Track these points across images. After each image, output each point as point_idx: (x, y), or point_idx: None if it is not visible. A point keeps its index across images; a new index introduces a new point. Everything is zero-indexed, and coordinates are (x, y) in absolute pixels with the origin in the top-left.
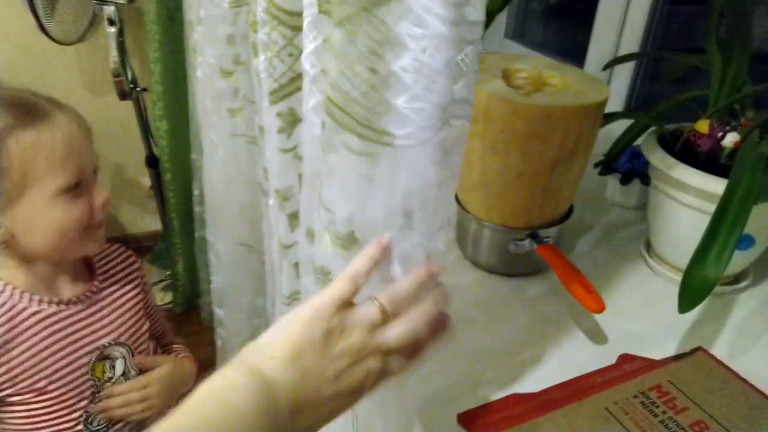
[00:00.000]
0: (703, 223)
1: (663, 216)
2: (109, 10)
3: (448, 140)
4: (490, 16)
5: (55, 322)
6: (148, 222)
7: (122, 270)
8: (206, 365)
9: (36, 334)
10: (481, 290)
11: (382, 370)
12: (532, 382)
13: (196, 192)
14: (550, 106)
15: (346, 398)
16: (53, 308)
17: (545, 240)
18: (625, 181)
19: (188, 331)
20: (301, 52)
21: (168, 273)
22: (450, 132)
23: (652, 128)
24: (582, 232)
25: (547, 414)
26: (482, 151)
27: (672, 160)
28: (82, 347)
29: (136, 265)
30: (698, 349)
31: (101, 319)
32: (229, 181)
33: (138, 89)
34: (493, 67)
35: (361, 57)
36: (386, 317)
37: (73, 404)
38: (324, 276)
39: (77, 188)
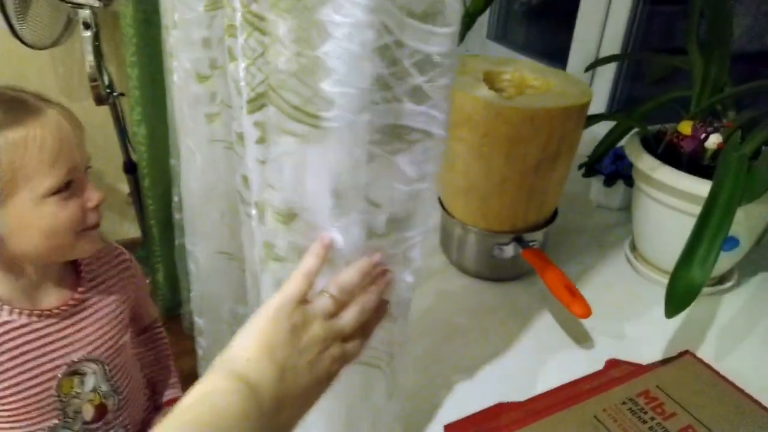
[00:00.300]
0: (687, 224)
1: (647, 218)
2: (85, 13)
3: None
4: (472, 17)
5: (24, 334)
6: (126, 229)
7: (112, 276)
8: (188, 375)
9: (1, 344)
10: (467, 296)
11: (343, 355)
12: (519, 390)
13: (175, 198)
14: (533, 108)
15: (321, 386)
16: (24, 319)
17: (530, 244)
18: (608, 182)
19: (170, 341)
20: None
21: (148, 281)
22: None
23: (635, 130)
24: (567, 235)
25: (534, 423)
26: (466, 156)
27: (655, 162)
28: (48, 362)
29: (129, 272)
30: (685, 352)
31: (75, 332)
32: (208, 188)
33: (115, 94)
34: (476, 70)
35: (290, 42)
36: (338, 306)
37: (36, 417)
38: (269, 249)
39: (69, 188)
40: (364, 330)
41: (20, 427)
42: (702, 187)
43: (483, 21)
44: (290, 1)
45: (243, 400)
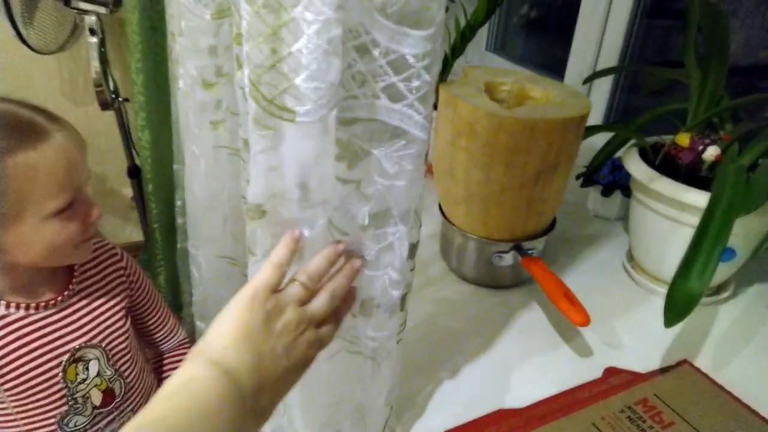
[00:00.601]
0: (684, 234)
1: (645, 228)
2: (91, 20)
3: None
4: (473, 29)
5: (22, 327)
6: (129, 233)
7: (103, 269)
8: None
9: (3, 337)
10: (466, 303)
11: (317, 339)
12: (518, 397)
13: (178, 203)
14: (534, 119)
15: (297, 370)
16: (21, 312)
17: (529, 252)
18: (606, 193)
19: None
20: None
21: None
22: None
23: (632, 141)
24: (565, 243)
25: (533, 430)
26: (466, 165)
27: (653, 173)
28: (51, 350)
29: (120, 264)
30: (683, 362)
31: (73, 322)
32: (211, 193)
33: (120, 99)
34: (476, 80)
35: (267, 39)
36: (309, 293)
37: (45, 405)
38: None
39: (71, 207)
40: (336, 316)
41: (32, 416)
42: (700, 198)
43: (482, 33)
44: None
45: (222, 386)
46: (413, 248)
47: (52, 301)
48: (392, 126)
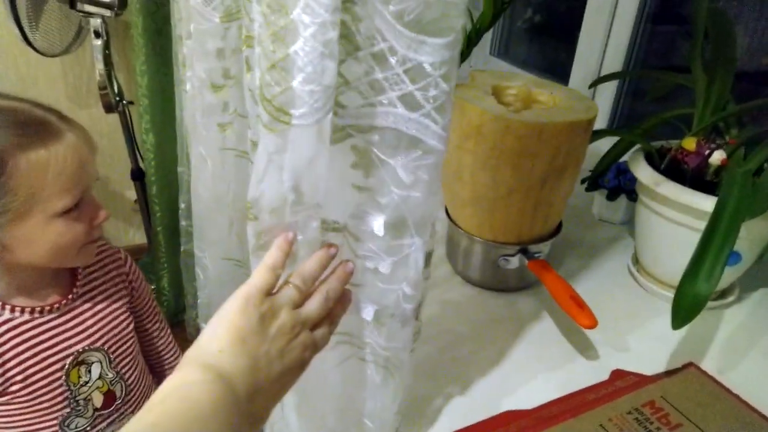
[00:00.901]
0: (691, 239)
1: (651, 232)
2: (96, 22)
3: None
4: (479, 33)
5: (27, 330)
6: (132, 236)
7: (107, 273)
8: None
9: (6, 342)
10: (471, 305)
11: (313, 342)
12: (525, 399)
13: (182, 205)
14: (541, 122)
15: (292, 373)
16: (26, 317)
17: (535, 255)
18: (611, 197)
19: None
20: None
21: (152, 287)
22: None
23: (638, 145)
24: (570, 247)
25: (541, 431)
26: (474, 167)
27: (660, 177)
28: (54, 354)
29: (123, 269)
30: (689, 364)
31: (77, 325)
32: (217, 195)
33: (124, 102)
34: (484, 84)
35: (270, 40)
36: (302, 295)
37: (48, 407)
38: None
39: (78, 207)
40: (330, 318)
41: (35, 418)
42: (706, 202)
43: (486, 37)
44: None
45: (216, 390)
46: (428, 257)
47: (57, 305)
48: (409, 135)
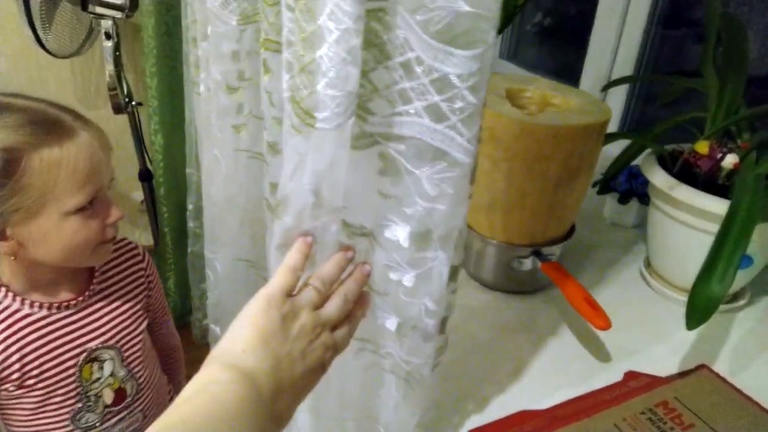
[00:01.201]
0: (703, 241)
1: (663, 235)
2: (107, 24)
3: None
4: None
5: (45, 326)
6: (138, 237)
7: (124, 270)
8: None
9: (25, 336)
10: (485, 307)
11: (333, 343)
12: (540, 399)
13: (190, 207)
14: (557, 125)
15: (314, 373)
16: (44, 312)
17: (548, 258)
18: (623, 200)
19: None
20: None
21: None
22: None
23: (649, 149)
24: (582, 251)
25: (556, 430)
26: (488, 170)
27: (673, 180)
28: (69, 350)
29: (141, 264)
30: (702, 366)
31: (91, 323)
32: (230, 195)
33: (133, 103)
34: (498, 87)
35: (300, 44)
36: (322, 297)
37: (60, 402)
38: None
39: (91, 206)
40: (349, 319)
41: (47, 412)
42: (719, 205)
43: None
44: (305, 4)
45: (242, 389)
46: (455, 270)
47: (73, 301)
48: (434, 147)
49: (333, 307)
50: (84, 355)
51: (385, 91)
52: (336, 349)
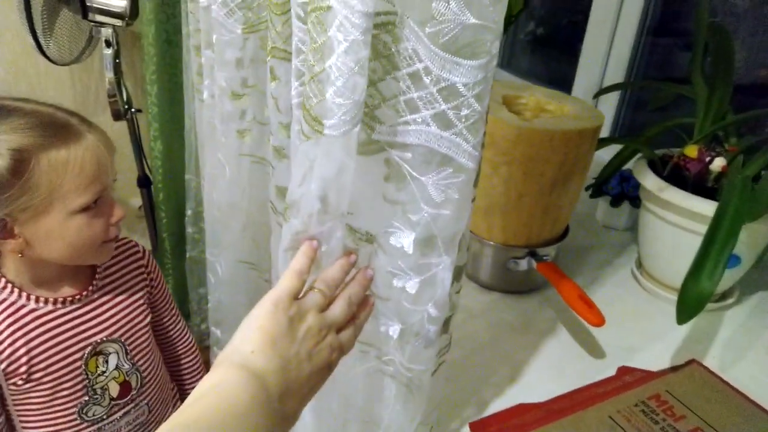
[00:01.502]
0: (692, 242)
1: (654, 236)
2: (107, 32)
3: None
4: None
5: (50, 321)
6: None
7: (125, 266)
8: None
9: (31, 330)
10: (483, 307)
11: (339, 345)
12: (537, 394)
13: (189, 212)
14: (552, 130)
15: (320, 374)
16: (50, 307)
17: (544, 258)
18: (615, 203)
19: None
20: None
21: None
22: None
23: (640, 154)
24: (575, 252)
25: (554, 422)
26: (488, 174)
27: (663, 183)
28: (75, 344)
29: (142, 261)
30: (692, 361)
31: (96, 317)
32: (233, 199)
33: (132, 110)
34: (495, 94)
35: (312, 53)
36: (327, 300)
37: (68, 395)
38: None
39: (96, 205)
40: (354, 322)
41: (56, 405)
42: (707, 207)
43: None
44: (317, 16)
45: (252, 388)
46: (459, 271)
47: (78, 296)
48: (441, 153)
49: (338, 310)
50: (89, 348)
51: (393, 100)
52: (341, 350)
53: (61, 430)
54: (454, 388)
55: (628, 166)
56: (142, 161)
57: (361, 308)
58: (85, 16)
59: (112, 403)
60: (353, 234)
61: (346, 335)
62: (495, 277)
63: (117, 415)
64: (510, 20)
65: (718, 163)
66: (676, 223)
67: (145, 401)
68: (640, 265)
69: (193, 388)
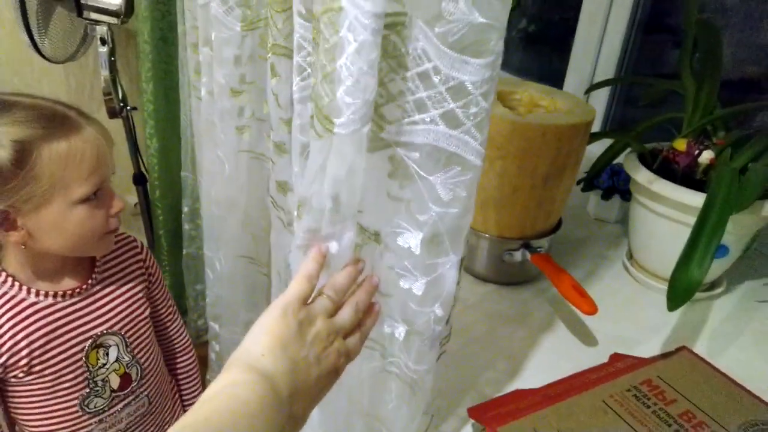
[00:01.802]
0: (682, 233)
1: (644, 228)
2: (102, 29)
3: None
4: None
5: (51, 314)
6: None
7: (124, 260)
8: None
9: (32, 324)
10: (479, 299)
11: (346, 350)
12: (533, 380)
13: (185, 209)
14: (545, 125)
15: (328, 378)
16: (50, 300)
17: (538, 250)
18: (606, 196)
19: None
20: None
21: None
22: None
23: (630, 148)
24: (567, 244)
25: (549, 407)
26: (485, 169)
27: (653, 176)
28: (75, 337)
29: (140, 256)
30: (682, 348)
31: (95, 310)
32: (232, 195)
33: (128, 108)
34: None
35: (324, 53)
36: (335, 306)
37: (69, 387)
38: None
39: (96, 197)
40: (361, 328)
41: (58, 397)
42: (696, 198)
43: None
44: (329, 17)
45: (262, 390)
46: (460, 264)
47: (78, 290)
48: (448, 152)
49: (345, 316)
50: (90, 341)
51: (401, 100)
52: (348, 355)
53: (63, 422)
54: (452, 377)
55: (619, 160)
56: (138, 159)
57: (367, 315)
58: (79, 14)
59: (113, 395)
60: (363, 233)
61: (352, 341)
62: (490, 269)
63: (118, 407)
64: None
65: (707, 156)
66: (665, 214)
67: (146, 393)
68: (630, 256)
69: (187, 382)
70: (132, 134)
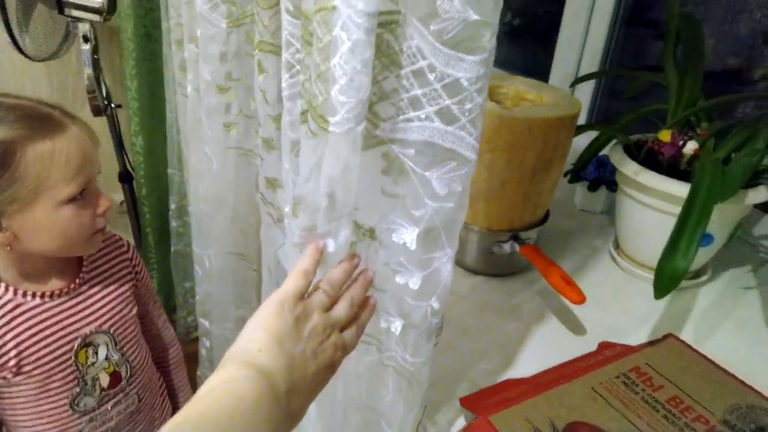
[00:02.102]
0: (667, 223)
1: (630, 218)
2: (84, 27)
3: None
4: None
5: (38, 314)
6: None
7: (111, 260)
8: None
9: (19, 325)
10: (469, 291)
11: (342, 344)
12: (523, 370)
13: (172, 206)
14: (532, 118)
15: (325, 372)
16: (37, 300)
17: (526, 241)
18: (592, 188)
19: None
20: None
21: None
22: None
23: (616, 140)
24: (555, 236)
25: (540, 395)
26: None
27: (638, 167)
28: (64, 336)
29: (127, 255)
30: (669, 335)
31: (83, 309)
32: (221, 191)
33: (112, 105)
34: None
35: (318, 51)
36: (331, 300)
37: (59, 387)
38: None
39: (82, 196)
40: (357, 322)
41: (48, 397)
42: (681, 188)
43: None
44: (322, 16)
45: (259, 385)
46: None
47: (65, 289)
48: (444, 148)
49: (341, 310)
50: (79, 340)
51: (395, 97)
52: (345, 349)
53: (53, 421)
54: (444, 368)
55: (605, 152)
56: (123, 156)
57: (363, 308)
58: (60, 12)
59: (103, 393)
60: (357, 230)
61: (349, 334)
62: (480, 261)
63: (108, 405)
64: None
65: (691, 147)
66: (651, 205)
67: (135, 390)
68: (617, 246)
69: (174, 379)
70: (117, 132)
